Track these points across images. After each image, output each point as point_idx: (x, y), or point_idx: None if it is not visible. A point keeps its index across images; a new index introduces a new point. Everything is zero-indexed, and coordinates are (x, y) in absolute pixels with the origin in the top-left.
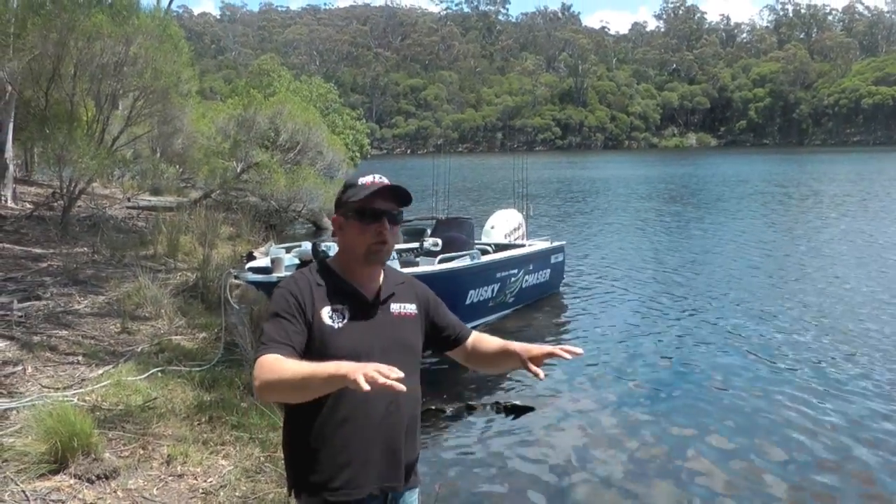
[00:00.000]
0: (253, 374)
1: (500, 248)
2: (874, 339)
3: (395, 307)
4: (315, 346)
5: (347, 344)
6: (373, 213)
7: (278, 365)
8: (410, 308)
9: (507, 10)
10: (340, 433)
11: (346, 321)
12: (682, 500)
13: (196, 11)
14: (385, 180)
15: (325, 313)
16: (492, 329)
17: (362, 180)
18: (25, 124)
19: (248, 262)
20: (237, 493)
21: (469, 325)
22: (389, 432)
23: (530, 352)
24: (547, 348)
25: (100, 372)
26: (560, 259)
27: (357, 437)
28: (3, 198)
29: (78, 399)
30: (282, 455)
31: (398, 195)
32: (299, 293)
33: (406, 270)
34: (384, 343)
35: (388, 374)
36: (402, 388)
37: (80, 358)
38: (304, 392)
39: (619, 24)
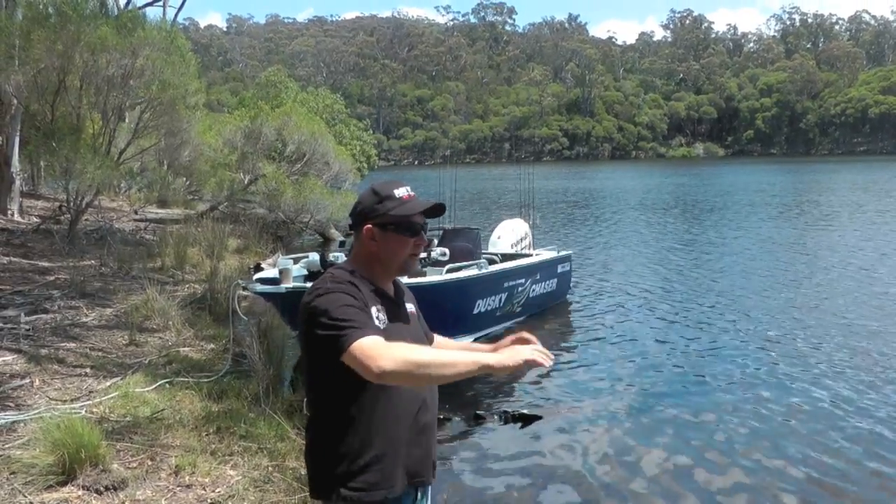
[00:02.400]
0: (364, 357)
1: (506, 257)
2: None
3: (408, 307)
4: None
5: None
6: (415, 227)
7: (408, 347)
8: (413, 308)
9: (514, 20)
10: (389, 429)
11: (388, 321)
12: None
13: (202, 24)
14: (412, 192)
15: (374, 312)
16: (499, 339)
17: (398, 192)
18: (31, 138)
19: (255, 273)
20: (245, 503)
21: (477, 335)
22: (423, 429)
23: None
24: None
25: (108, 384)
26: (567, 268)
27: (398, 436)
28: (9, 211)
29: (86, 411)
30: (290, 465)
31: (430, 210)
32: (355, 289)
33: (414, 280)
34: (414, 341)
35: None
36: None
37: (87, 370)
38: (447, 376)
39: (626, 34)
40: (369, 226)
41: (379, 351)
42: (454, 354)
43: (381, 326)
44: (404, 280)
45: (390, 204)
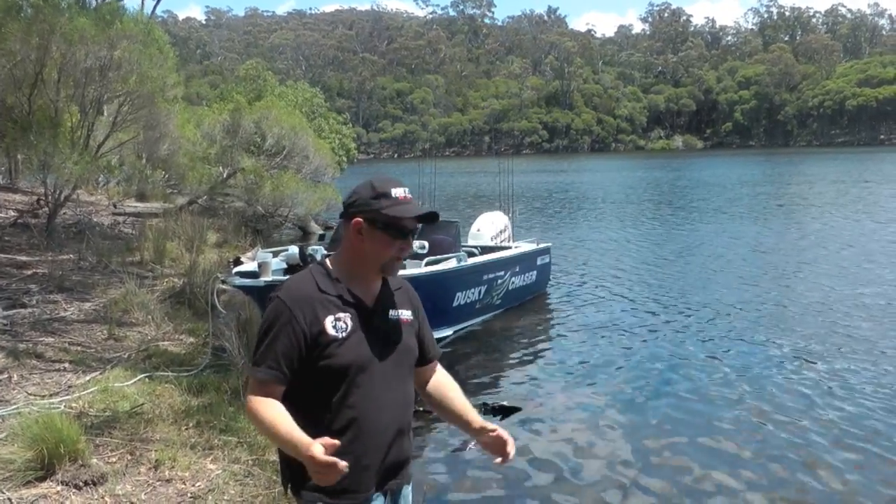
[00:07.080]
0: (247, 393)
1: (486, 250)
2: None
3: (393, 313)
4: (317, 356)
5: (349, 354)
6: (404, 230)
7: (265, 409)
8: (407, 314)
9: (493, 13)
10: (345, 436)
11: (349, 331)
12: (670, 498)
13: (181, 16)
14: (410, 195)
15: (329, 323)
16: (480, 331)
17: (395, 192)
18: (8, 130)
19: (235, 266)
20: (225, 497)
21: (456, 328)
22: (390, 435)
23: (485, 428)
24: (501, 432)
25: (87, 378)
26: (546, 260)
27: (361, 441)
28: None
29: (65, 406)
30: (270, 458)
31: (424, 217)
32: (298, 307)
33: None
34: (385, 350)
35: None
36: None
37: (66, 365)
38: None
39: (605, 27)
40: (359, 219)
41: (251, 401)
42: (285, 435)
43: (340, 336)
44: (401, 274)
45: (385, 202)
